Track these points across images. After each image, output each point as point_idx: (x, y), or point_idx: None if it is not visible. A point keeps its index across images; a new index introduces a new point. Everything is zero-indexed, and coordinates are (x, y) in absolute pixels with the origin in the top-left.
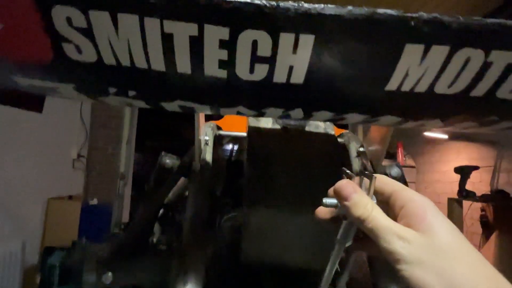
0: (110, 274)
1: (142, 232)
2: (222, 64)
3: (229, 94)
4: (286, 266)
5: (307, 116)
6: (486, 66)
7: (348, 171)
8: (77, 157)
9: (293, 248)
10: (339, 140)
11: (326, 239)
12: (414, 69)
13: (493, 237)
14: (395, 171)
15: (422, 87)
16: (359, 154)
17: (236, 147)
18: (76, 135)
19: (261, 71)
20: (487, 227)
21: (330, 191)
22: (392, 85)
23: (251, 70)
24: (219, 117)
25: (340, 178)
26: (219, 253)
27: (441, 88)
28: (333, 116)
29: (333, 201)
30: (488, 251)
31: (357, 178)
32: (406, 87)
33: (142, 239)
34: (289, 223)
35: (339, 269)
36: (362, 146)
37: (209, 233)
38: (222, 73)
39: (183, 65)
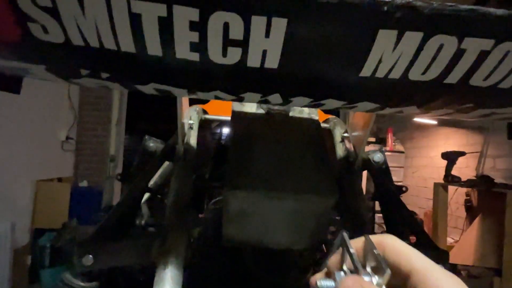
0: (90, 256)
1: (125, 215)
2: (193, 46)
3: (203, 78)
4: (267, 246)
5: (286, 101)
6: (459, 54)
7: (351, 249)
8: (66, 138)
9: (274, 230)
10: (325, 125)
11: (305, 221)
12: (387, 55)
13: (476, 220)
14: (378, 156)
15: (396, 74)
16: (343, 139)
17: (225, 131)
18: (64, 116)
19: (234, 54)
20: (471, 211)
21: (331, 265)
22: (366, 71)
23: (224, 54)
24: (206, 100)
25: (323, 160)
26: (204, 234)
27: (415, 75)
28: (311, 102)
29: (330, 284)
30: (471, 234)
31: (359, 244)
32: (380, 74)
33: (125, 222)
34: (269, 205)
35: (325, 250)
36: (346, 131)
37: (195, 215)
38: (195, 56)
39: (154, 47)
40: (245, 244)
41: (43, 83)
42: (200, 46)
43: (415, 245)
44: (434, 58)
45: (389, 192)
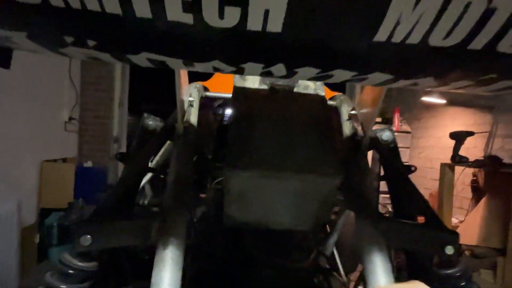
0: (88, 236)
1: (125, 194)
2: (186, 6)
3: (199, 45)
4: (268, 228)
5: (291, 73)
6: (488, 14)
7: None
8: (69, 119)
9: (276, 211)
10: (331, 102)
11: (309, 202)
12: (406, 15)
13: (482, 201)
14: (386, 135)
15: (415, 38)
16: (350, 117)
17: (227, 112)
18: (66, 97)
19: (232, 16)
20: (477, 192)
21: None
22: (381, 35)
23: (221, 15)
24: (207, 77)
25: (328, 139)
26: (207, 214)
27: (436, 39)
28: (319, 73)
29: None
30: (476, 214)
31: None
32: (397, 38)
33: (125, 201)
34: (271, 186)
35: (328, 230)
36: (353, 109)
37: (196, 194)
38: (188, 18)
39: (142, 8)
40: (247, 225)
41: (43, 63)
42: (193, 6)
43: (424, 226)
44: (459, 20)
45: (397, 172)
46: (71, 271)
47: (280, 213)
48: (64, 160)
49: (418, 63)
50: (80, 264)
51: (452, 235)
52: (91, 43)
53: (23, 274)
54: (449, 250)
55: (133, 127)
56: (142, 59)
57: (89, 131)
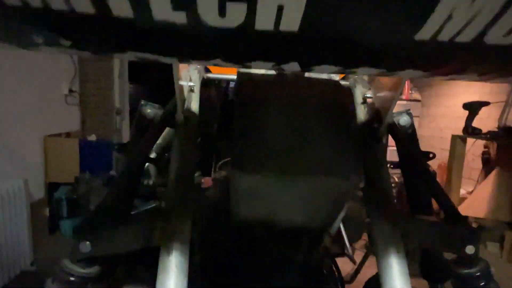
0: (88, 243)
1: (124, 191)
2: (177, 3)
3: (196, 45)
4: (279, 226)
5: (305, 69)
6: None
7: None
8: (69, 92)
9: (287, 210)
10: (344, 82)
11: (323, 202)
12: (462, 9)
13: (493, 173)
14: (404, 119)
15: (467, 36)
16: (365, 100)
17: (232, 85)
18: (64, 69)
19: (236, 14)
20: (488, 164)
21: None
22: (425, 33)
23: (222, 12)
24: None
25: (344, 131)
26: (212, 209)
27: (494, 36)
28: (339, 70)
29: None
30: (486, 186)
31: None
32: (445, 36)
33: (125, 199)
34: (282, 186)
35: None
36: (369, 90)
37: (201, 193)
38: (180, 17)
39: (119, 5)
40: (255, 223)
41: None
42: (186, 2)
43: (443, 224)
44: None
45: (415, 160)
46: (72, 278)
47: (291, 213)
48: (68, 134)
49: (465, 61)
50: (81, 270)
51: (473, 234)
52: (65, 43)
53: (36, 246)
54: (470, 249)
55: (136, 96)
56: (130, 56)
57: (90, 103)
